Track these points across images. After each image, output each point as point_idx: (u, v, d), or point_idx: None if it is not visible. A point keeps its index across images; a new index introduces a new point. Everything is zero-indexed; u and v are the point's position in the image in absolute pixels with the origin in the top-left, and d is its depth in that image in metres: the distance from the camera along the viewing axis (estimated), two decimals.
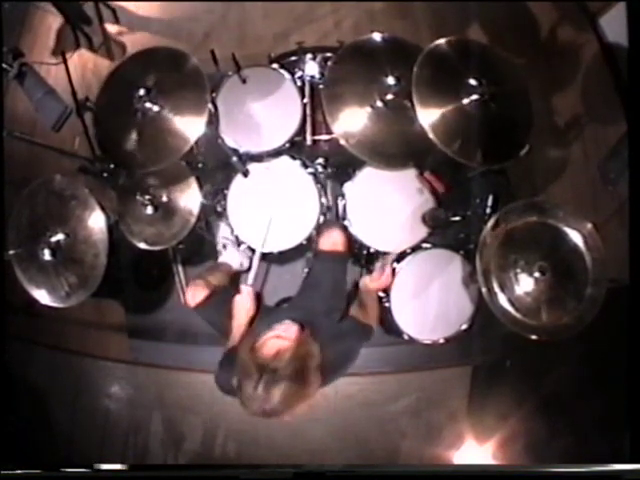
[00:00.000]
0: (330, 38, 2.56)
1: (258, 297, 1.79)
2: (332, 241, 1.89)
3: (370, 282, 1.83)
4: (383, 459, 2.35)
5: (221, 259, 2.28)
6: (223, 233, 2.29)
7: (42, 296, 1.87)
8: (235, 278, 2.18)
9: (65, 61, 1.83)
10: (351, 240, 1.97)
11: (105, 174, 2.00)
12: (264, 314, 1.76)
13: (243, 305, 1.71)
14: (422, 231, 2.00)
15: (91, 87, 2.52)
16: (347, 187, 2.02)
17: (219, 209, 2.11)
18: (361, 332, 1.66)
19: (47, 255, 1.83)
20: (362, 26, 2.70)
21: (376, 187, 2.02)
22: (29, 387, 2.41)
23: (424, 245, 2.00)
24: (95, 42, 2.82)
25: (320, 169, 2.11)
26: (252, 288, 1.76)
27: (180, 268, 2.50)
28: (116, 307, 2.53)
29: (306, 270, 1.99)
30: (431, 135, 1.70)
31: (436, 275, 1.97)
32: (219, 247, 2.30)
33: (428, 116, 1.73)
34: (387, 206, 2.00)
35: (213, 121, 1.94)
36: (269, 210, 2.00)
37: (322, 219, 2.02)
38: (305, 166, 2.05)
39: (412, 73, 1.76)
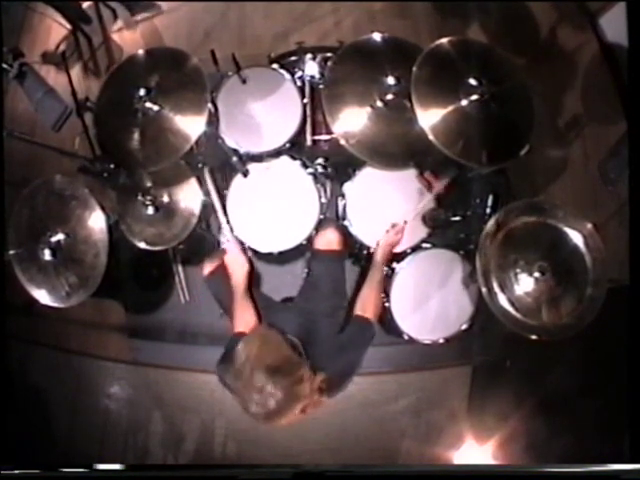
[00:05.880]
0: (330, 38, 2.56)
1: (246, 252, 1.89)
2: (327, 240, 1.90)
3: (383, 239, 1.86)
4: (383, 459, 2.35)
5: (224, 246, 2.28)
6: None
7: (42, 296, 1.87)
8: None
9: (65, 61, 1.83)
10: (347, 238, 1.97)
11: (105, 174, 2.00)
12: (270, 308, 1.76)
13: (235, 260, 1.78)
14: (422, 231, 2.00)
15: (91, 87, 2.54)
16: (347, 187, 2.01)
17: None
18: (365, 335, 1.63)
19: (47, 255, 1.83)
20: (362, 26, 2.70)
21: (376, 187, 2.02)
22: (29, 387, 2.41)
23: (424, 245, 2.00)
24: (95, 42, 2.82)
25: (320, 169, 2.10)
26: (234, 243, 1.86)
27: (180, 268, 2.50)
28: (116, 307, 2.53)
29: (306, 270, 1.99)
30: (431, 137, 1.70)
31: (436, 275, 1.97)
32: (222, 239, 2.30)
33: (428, 117, 1.73)
34: (387, 206, 2.00)
35: (213, 121, 1.94)
36: (269, 210, 2.01)
37: (322, 219, 2.02)
38: (305, 166, 2.05)
39: (412, 73, 1.76)
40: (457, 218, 1.97)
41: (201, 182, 2.07)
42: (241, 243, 1.97)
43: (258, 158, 2.03)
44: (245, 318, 1.67)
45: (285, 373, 1.30)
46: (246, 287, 1.75)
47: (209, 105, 1.79)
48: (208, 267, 1.92)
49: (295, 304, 1.86)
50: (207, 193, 2.06)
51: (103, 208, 1.86)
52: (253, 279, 1.84)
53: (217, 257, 1.92)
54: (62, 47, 2.75)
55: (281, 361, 1.33)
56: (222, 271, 1.85)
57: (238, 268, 1.77)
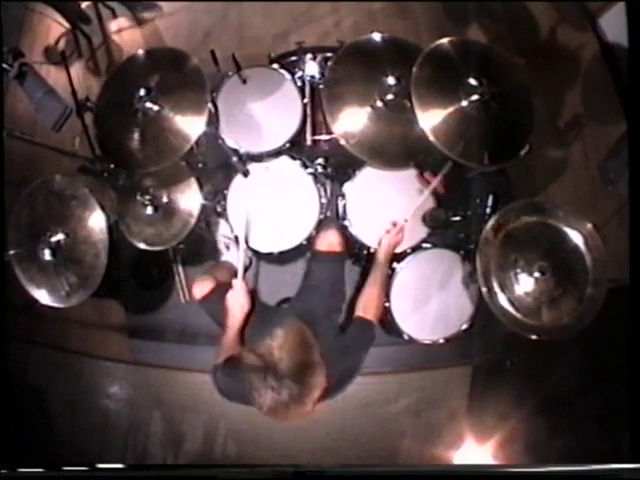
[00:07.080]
0: (330, 38, 2.57)
1: (252, 293, 1.79)
2: (328, 241, 1.89)
3: (385, 239, 1.84)
4: (383, 459, 2.35)
5: (224, 258, 2.27)
6: (224, 232, 2.28)
7: (42, 296, 1.86)
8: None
9: (65, 61, 1.83)
10: (348, 239, 1.97)
11: (105, 174, 2.00)
12: (265, 313, 1.76)
13: (236, 301, 1.71)
14: (422, 231, 2.00)
15: (91, 87, 2.54)
16: (347, 187, 2.01)
17: (219, 209, 2.11)
18: (365, 336, 1.63)
19: (47, 255, 1.82)
20: (362, 26, 2.71)
21: (376, 187, 2.02)
22: (29, 387, 2.41)
23: (424, 245, 2.00)
24: (95, 42, 2.82)
25: (320, 169, 2.11)
26: (244, 283, 1.74)
27: (180, 268, 2.51)
28: (116, 307, 2.53)
29: (305, 271, 1.99)
30: (432, 137, 1.70)
31: (436, 275, 1.97)
32: (221, 247, 2.29)
33: (428, 118, 1.73)
34: (387, 206, 2.00)
35: (213, 121, 1.94)
36: (269, 210, 2.01)
37: (322, 219, 2.02)
38: (305, 166, 2.05)
39: (412, 74, 1.76)
40: (457, 218, 1.97)
41: (201, 182, 2.06)
42: (251, 288, 1.88)
43: (258, 158, 2.03)
44: (231, 352, 1.63)
45: (308, 374, 1.30)
46: (240, 329, 1.70)
47: (209, 105, 1.79)
48: (200, 291, 1.87)
49: (293, 305, 1.85)
50: (206, 195, 2.06)
51: (103, 208, 1.85)
52: (249, 320, 1.75)
53: (209, 276, 1.89)
54: (62, 46, 2.75)
55: (309, 361, 1.32)
56: (216, 295, 1.82)
57: (238, 310, 1.70)
